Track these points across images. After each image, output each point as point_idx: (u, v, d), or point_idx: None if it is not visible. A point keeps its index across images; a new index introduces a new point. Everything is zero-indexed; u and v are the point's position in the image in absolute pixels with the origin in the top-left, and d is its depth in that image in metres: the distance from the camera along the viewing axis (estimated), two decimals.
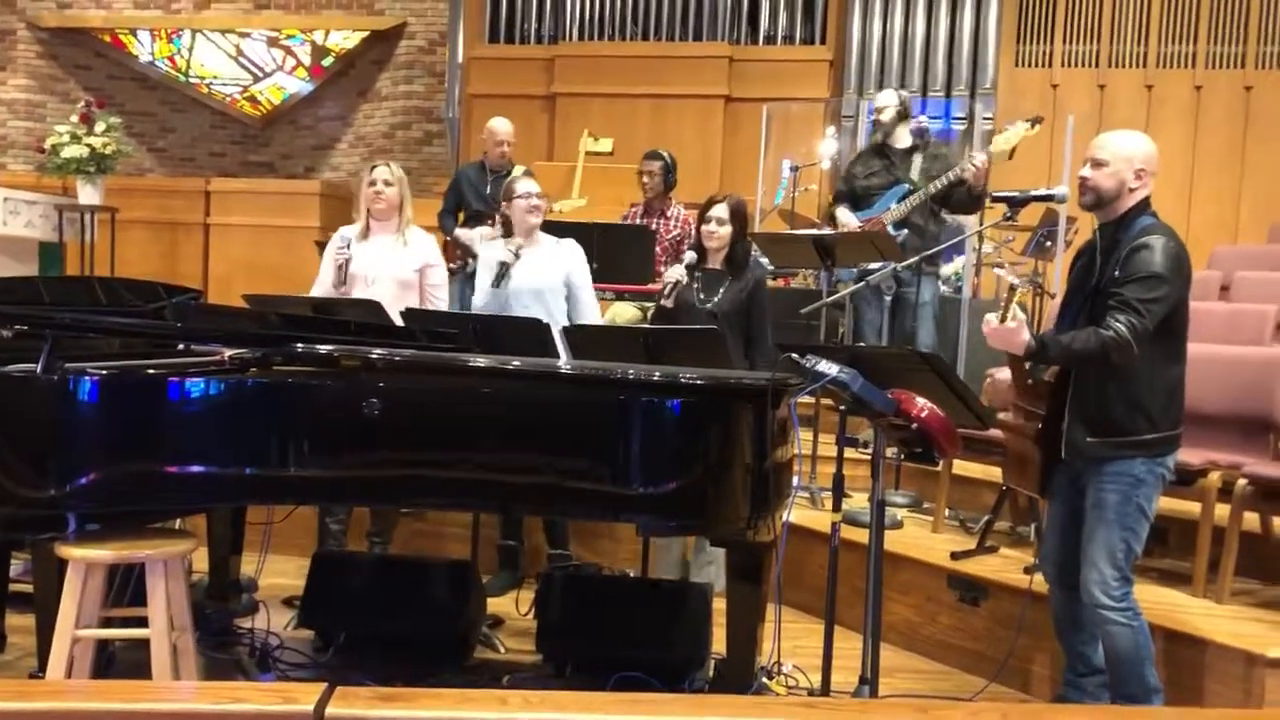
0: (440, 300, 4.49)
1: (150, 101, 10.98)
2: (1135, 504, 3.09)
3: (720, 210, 4.36)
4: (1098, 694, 3.29)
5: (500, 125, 6.20)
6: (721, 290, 4.38)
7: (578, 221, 5.56)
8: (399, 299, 4.24)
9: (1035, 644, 3.74)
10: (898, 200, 5.28)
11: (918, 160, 5.43)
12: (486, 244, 4.63)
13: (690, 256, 4.43)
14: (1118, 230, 3.15)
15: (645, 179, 5.89)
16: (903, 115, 5.50)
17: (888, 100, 5.60)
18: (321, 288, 4.42)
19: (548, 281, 4.33)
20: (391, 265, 4.37)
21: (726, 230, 4.36)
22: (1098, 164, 3.15)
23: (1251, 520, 3.75)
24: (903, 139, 5.51)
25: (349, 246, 4.36)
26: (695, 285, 4.42)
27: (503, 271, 4.23)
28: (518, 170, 6.11)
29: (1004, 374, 3.45)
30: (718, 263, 4.42)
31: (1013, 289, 3.05)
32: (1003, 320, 3.02)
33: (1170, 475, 3.17)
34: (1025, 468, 3.44)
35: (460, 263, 6.05)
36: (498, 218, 4.59)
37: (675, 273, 4.41)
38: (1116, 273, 3.05)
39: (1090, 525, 3.13)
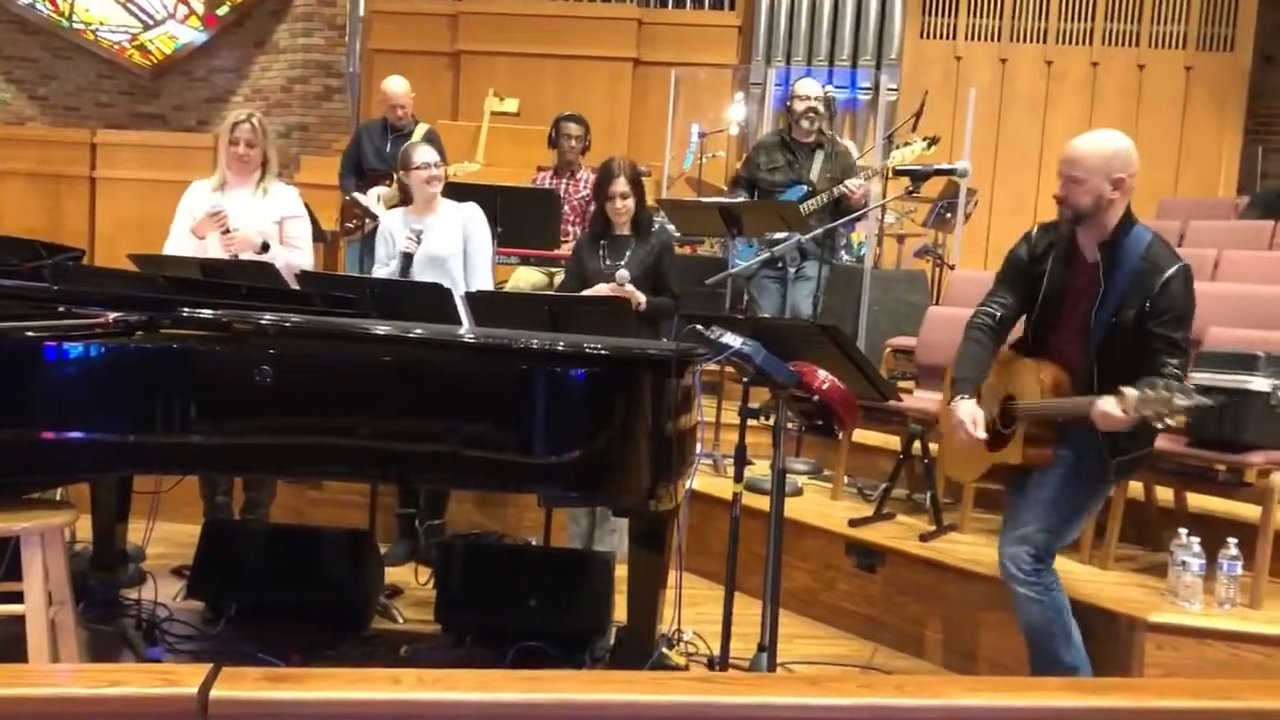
0: (303, 250, 4.36)
1: (31, 46, 10.45)
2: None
3: (621, 185, 4.34)
4: None
5: (392, 87, 6.00)
6: (628, 254, 4.36)
7: (481, 184, 5.43)
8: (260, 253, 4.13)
9: (929, 610, 3.83)
10: (799, 200, 5.21)
11: (819, 159, 5.41)
12: (388, 213, 4.56)
13: (623, 275, 4.25)
14: (1114, 251, 3.03)
15: (571, 142, 5.85)
16: (819, 113, 5.39)
17: (811, 91, 5.44)
18: (175, 242, 4.29)
19: (447, 249, 4.34)
20: (249, 220, 4.23)
21: (631, 202, 4.36)
22: (1072, 180, 3.01)
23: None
24: (809, 135, 5.44)
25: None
26: (601, 252, 4.39)
27: (406, 264, 4.19)
28: (418, 132, 5.98)
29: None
30: (624, 231, 4.41)
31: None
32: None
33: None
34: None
35: (357, 223, 5.89)
36: (395, 179, 4.50)
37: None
38: (1147, 306, 2.95)
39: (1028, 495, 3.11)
